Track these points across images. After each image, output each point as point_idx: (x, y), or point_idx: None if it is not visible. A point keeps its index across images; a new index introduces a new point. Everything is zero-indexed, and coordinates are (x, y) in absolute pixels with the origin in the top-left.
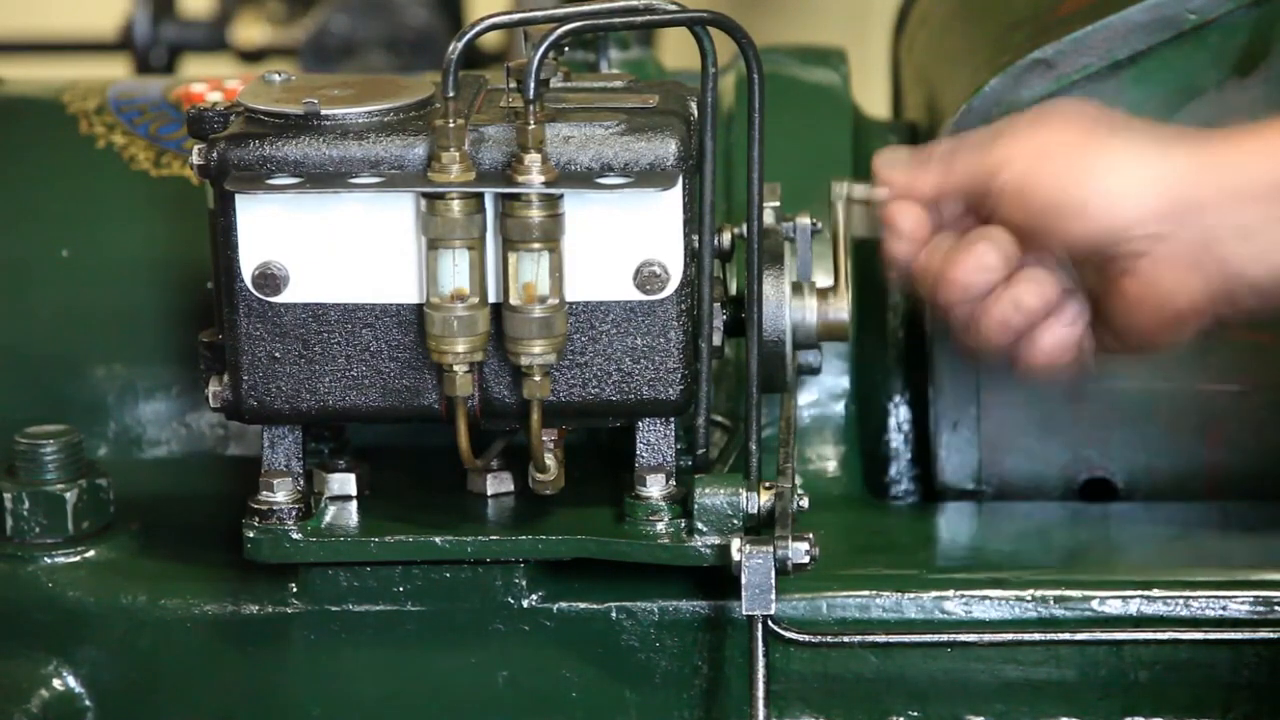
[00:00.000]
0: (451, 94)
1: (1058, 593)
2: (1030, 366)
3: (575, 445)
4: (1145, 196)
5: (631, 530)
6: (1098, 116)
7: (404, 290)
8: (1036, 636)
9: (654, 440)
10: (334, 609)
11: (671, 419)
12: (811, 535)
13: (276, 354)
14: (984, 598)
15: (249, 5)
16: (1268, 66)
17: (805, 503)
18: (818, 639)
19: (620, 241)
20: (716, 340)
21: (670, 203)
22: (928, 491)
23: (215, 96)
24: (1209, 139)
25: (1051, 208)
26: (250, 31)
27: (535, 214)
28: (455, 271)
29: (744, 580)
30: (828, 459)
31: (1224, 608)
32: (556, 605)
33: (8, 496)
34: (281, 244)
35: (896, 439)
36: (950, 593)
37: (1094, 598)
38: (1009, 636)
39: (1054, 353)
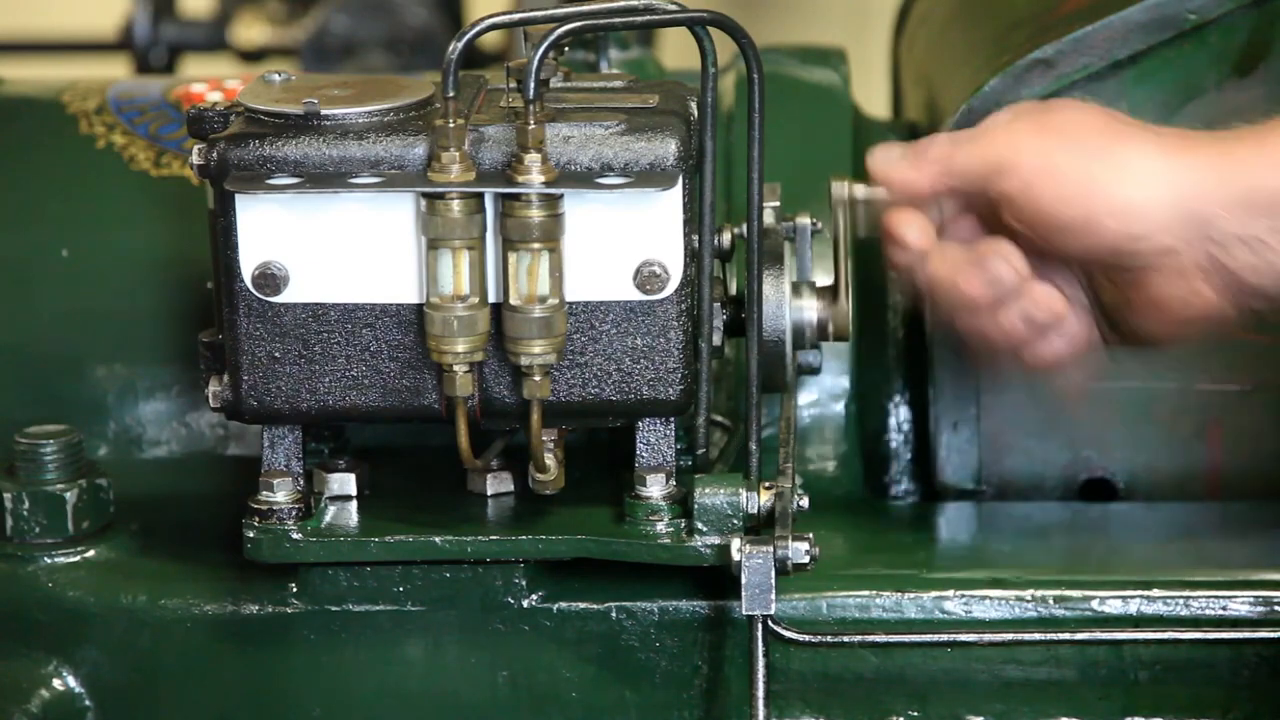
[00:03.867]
0: (451, 94)
1: (1058, 593)
2: (1035, 370)
3: (575, 445)
4: (1154, 210)
5: (631, 530)
6: (1104, 118)
7: (404, 290)
8: (1036, 636)
9: (654, 440)
10: (334, 609)
11: (671, 419)
12: (811, 535)
13: (276, 354)
14: (984, 598)
15: (249, 5)
16: (1268, 66)
17: (805, 503)
18: (817, 639)
19: (620, 241)
20: (716, 340)
21: (670, 203)
22: (928, 491)
23: (215, 96)
24: (1215, 144)
25: (1061, 221)
26: (250, 31)
27: (535, 214)
28: (455, 271)
29: (744, 580)
30: (828, 459)
31: (1224, 608)
32: (556, 605)
33: (8, 496)
34: (281, 244)
35: (896, 439)
36: (950, 593)
37: (1094, 598)
38: (1009, 636)
39: (1059, 360)
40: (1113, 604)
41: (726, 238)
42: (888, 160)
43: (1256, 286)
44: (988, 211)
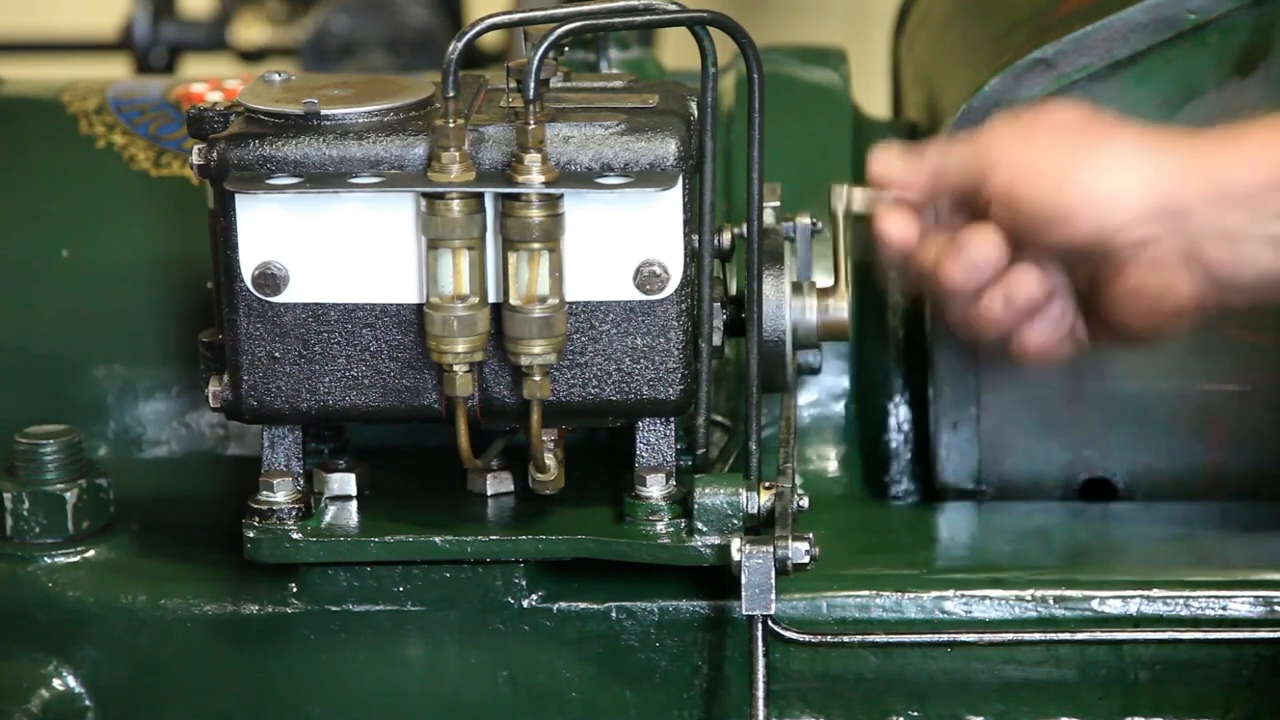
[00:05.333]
0: (451, 94)
1: (1058, 593)
2: (1023, 357)
3: (575, 445)
4: (1131, 201)
5: (631, 530)
6: (1087, 117)
7: (404, 290)
8: (1036, 636)
9: (654, 440)
10: (334, 609)
11: (671, 419)
12: (811, 535)
13: (276, 354)
14: (984, 598)
15: (249, 5)
16: (1268, 66)
17: (805, 503)
18: (818, 639)
19: (620, 241)
20: (716, 340)
21: (670, 203)
22: (928, 491)
23: (215, 96)
24: (1195, 140)
25: (1040, 214)
26: (250, 31)
27: (535, 214)
28: (455, 271)
29: (744, 580)
30: (828, 459)
31: (1224, 608)
32: (556, 605)
33: (8, 496)
34: (281, 244)
35: (896, 439)
36: (950, 593)
37: (1094, 598)
38: (1009, 636)
39: (1044, 345)
40: (1113, 604)
41: (726, 238)
42: (886, 160)
43: (1233, 279)
44: (979, 214)
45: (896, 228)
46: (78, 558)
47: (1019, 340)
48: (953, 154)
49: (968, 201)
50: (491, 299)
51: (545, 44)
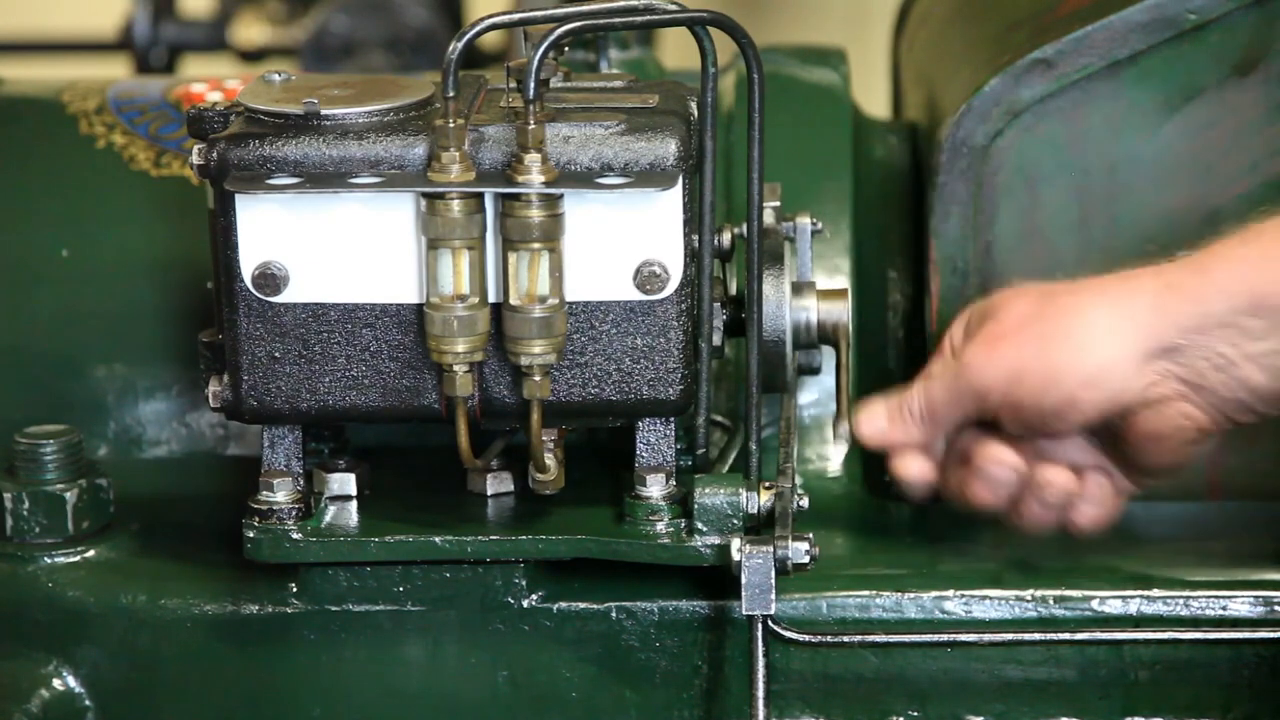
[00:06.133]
0: (451, 94)
1: (1058, 593)
2: (1084, 535)
3: (575, 445)
4: (1121, 364)
5: (631, 530)
6: (1041, 298)
7: (404, 290)
8: (1036, 636)
9: (654, 440)
10: (334, 609)
11: (671, 419)
12: (811, 535)
13: (276, 354)
14: (984, 598)
15: (249, 5)
16: (1267, 66)
17: (805, 503)
18: (818, 639)
19: (620, 241)
20: (716, 340)
21: (670, 203)
22: None
23: (215, 96)
24: (1161, 276)
25: (1044, 413)
26: (250, 31)
27: (535, 214)
28: (455, 271)
29: (744, 580)
30: (828, 459)
31: (1224, 608)
32: (556, 605)
33: (8, 496)
34: (281, 244)
35: None
36: (950, 593)
37: (1094, 598)
38: (1009, 636)
39: (1095, 519)
40: (1113, 604)
41: (726, 238)
42: (875, 427)
43: (1236, 399)
44: (988, 423)
45: (913, 470)
46: (78, 558)
47: (1073, 524)
48: (935, 394)
49: (970, 422)
50: (491, 299)
51: (545, 44)
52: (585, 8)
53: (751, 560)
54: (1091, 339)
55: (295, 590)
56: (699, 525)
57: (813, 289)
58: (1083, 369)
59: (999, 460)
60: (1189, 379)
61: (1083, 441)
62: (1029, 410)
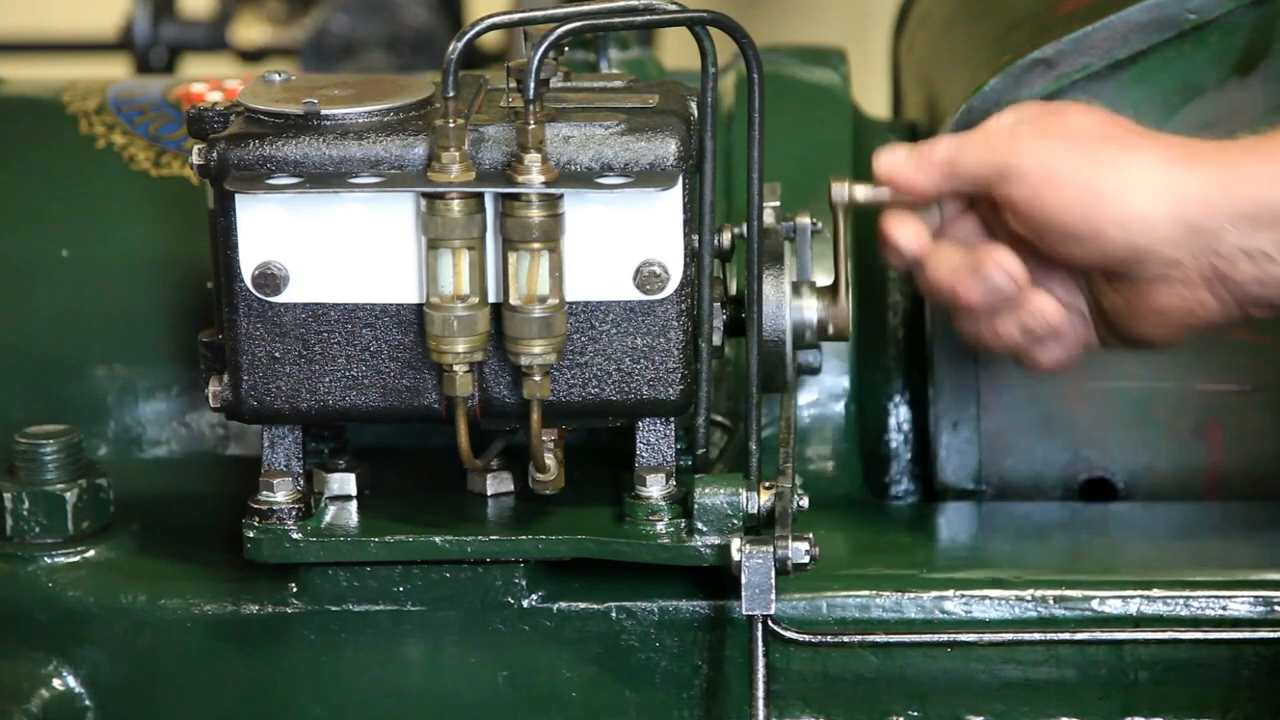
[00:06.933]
0: (451, 94)
1: (1058, 593)
2: (1031, 368)
3: (575, 445)
4: (1161, 222)
5: (631, 530)
6: (1110, 121)
7: (404, 290)
8: (1036, 636)
9: (654, 440)
10: (334, 609)
11: (671, 419)
12: (811, 535)
13: (276, 354)
14: (984, 598)
15: (249, 5)
16: (1268, 66)
17: (805, 503)
18: (818, 639)
19: (620, 241)
20: (716, 340)
21: (670, 203)
22: (928, 491)
23: (215, 96)
24: (1219, 155)
25: (1064, 230)
26: (250, 31)
27: (535, 214)
28: (455, 271)
29: (744, 580)
30: (828, 459)
31: (1224, 608)
32: (556, 605)
33: (8, 496)
34: (281, 244)
35: (896, 439)
36: (950, 593)
37: (1094, 598)
38: (1009, 636)
39: (1057, 364)
40: (1113, 604)
41: (726, 238)
42: (892, 161)
43: (1260, 296)
44: (990, 213)
45: (908, 235)
46: (78, 558)
47: (1031, 358)
48: (965, 151)
49: (977, 203)
50: (491, 299)
51: (545, 44)
52: (585, 8)
53: (751, 560)
54: (1141, 184)
55: (295, 590)
56: (699, 525)
57: (813, 289)
58: (1121, 207)
59: (1003, 266)
60: (1220, 268)
61: (1071, 280)
62: (1049, 220)
